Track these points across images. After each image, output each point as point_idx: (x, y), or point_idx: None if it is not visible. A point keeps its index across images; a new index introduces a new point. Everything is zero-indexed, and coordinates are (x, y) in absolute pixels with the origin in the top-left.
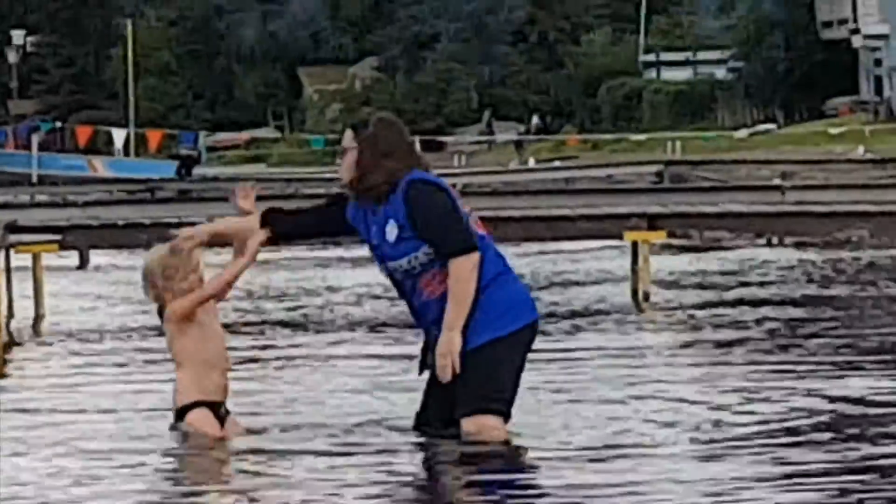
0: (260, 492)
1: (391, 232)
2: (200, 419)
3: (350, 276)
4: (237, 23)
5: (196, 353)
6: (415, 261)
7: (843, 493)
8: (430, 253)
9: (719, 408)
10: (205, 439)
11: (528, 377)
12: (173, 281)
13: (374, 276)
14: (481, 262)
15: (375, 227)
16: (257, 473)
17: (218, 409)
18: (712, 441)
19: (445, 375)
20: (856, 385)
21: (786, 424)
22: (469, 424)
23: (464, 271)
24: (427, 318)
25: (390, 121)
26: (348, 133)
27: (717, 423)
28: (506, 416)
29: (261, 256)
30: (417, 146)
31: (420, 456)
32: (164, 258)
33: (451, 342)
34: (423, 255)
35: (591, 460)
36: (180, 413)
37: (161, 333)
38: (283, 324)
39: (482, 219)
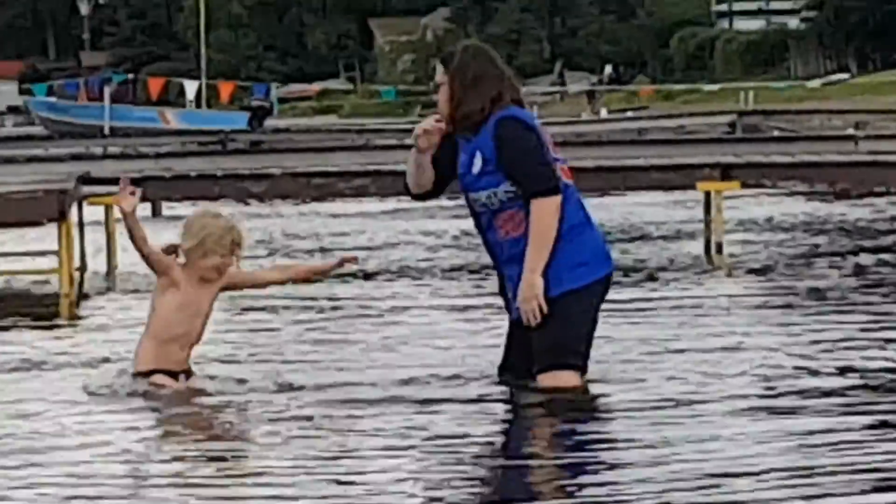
0: (340, 442)
1: (476, 164)
2: (160, 379)
3: (422, 226)
4: None
5: (165, 327)
6: (493, 197)
7: None
8: (510, 192)
9: (800, 358)
10: (263, 394)
11: (604, 329)
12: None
13: (447, 226)
14: (562, 209)
15: (465, 155)
16: (334, 426)
17: (176, 376)
18: (794, 392)
19: (532, 319)
20: None
21: (868, 375)
22: (546, 380)
23: (546, 212)
24: (500, 258)
25: (477, 47)
26: (439, 67)
27: (797, 374)
28: (583, 370)
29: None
30: (505, 70)
31: (502, 407)
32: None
33: (533, 285)
34: (502, 192)
35: (672, 413)
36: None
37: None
38: (360, 274)
39: None
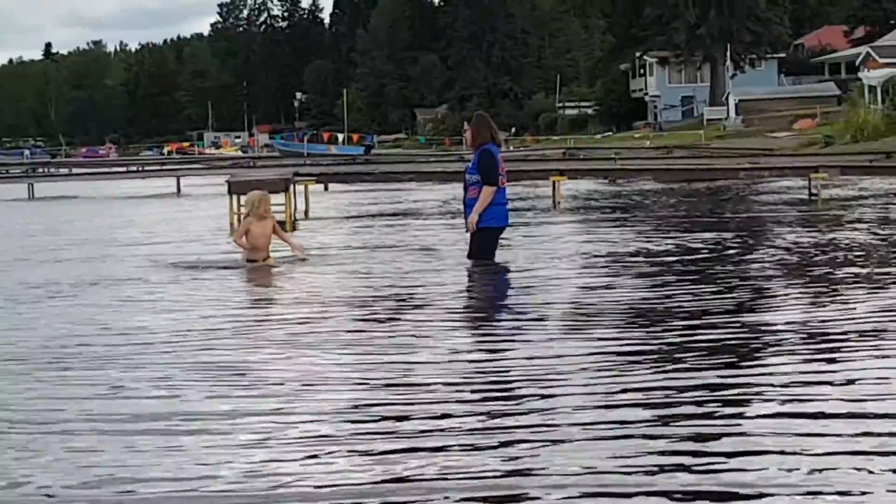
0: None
1: (471, 164)
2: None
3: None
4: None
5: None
6: (471, 177)
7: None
8: (477, 180)
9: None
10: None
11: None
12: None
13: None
14: (495, 194)
15: (473, 158)
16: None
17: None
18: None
19: (468, 230)
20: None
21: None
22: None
23: (487, 192)
24: (466, 205)
25: (483, 115)
26: (466, 123)
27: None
28: (491, 259)
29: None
30: (494, 126)
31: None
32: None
33: (473, 218)
34: (474, 178)
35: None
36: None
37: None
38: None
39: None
